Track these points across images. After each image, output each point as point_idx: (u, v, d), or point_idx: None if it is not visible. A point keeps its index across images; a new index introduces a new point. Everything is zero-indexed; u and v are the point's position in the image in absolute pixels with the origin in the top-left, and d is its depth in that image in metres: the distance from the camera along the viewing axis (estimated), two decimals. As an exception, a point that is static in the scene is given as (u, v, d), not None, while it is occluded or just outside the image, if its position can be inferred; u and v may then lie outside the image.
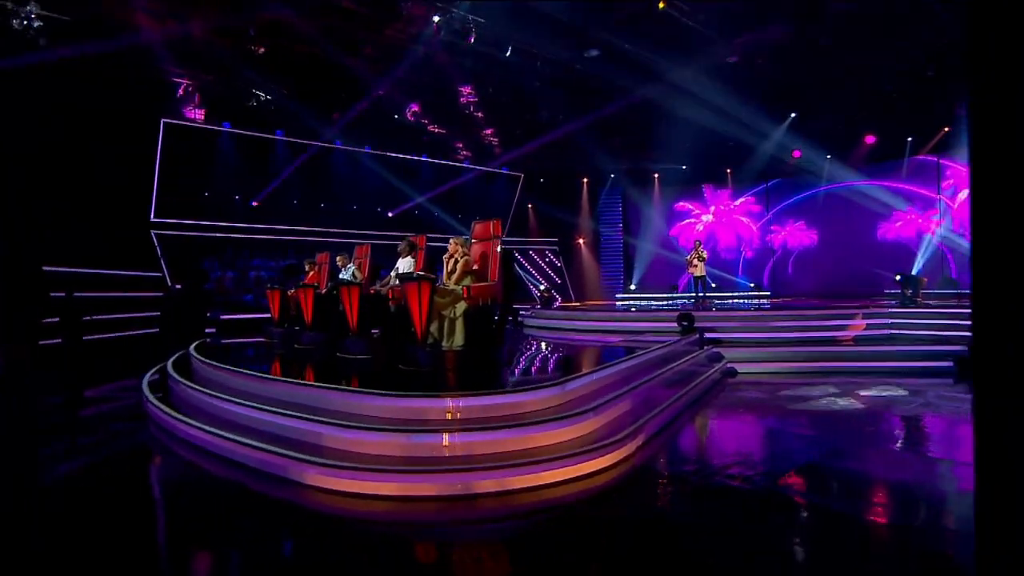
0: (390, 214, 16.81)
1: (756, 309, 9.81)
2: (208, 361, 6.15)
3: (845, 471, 4.02)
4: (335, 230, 14.85)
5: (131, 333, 10.99)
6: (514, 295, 6.75)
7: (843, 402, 6.18)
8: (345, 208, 16.21)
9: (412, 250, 7.23)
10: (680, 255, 18.85)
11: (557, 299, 18.78)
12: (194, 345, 7.96)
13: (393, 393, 4.44)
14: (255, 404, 4.68)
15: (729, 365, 8.10)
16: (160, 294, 12.06)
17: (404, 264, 7.47)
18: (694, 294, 12.49)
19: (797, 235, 18.37)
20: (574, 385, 5.03)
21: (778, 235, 18.63)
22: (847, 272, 16.67)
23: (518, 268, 19.28)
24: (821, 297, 15.46)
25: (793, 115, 15.46)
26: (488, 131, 17.12)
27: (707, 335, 8.57)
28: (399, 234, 8.88)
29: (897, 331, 8.57)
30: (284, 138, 15.51)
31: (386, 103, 14.72)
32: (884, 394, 6.47)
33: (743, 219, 19.16)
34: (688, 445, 4.89)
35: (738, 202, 19.04)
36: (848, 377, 7.57)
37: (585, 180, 20.39)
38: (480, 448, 3.94)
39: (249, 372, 5.51)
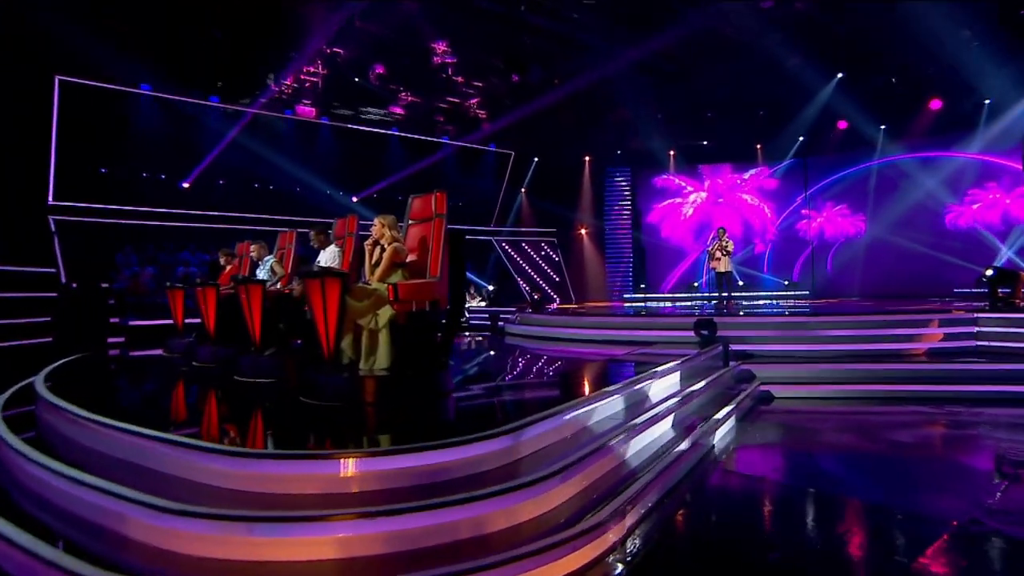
0: (355, 198, 16.32)
1: (794, 314, 8.91)
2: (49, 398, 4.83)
3: None
4: (285, 217, 14.05)
5: (21, 343, 10.15)
6: (463, 295, 5.45)
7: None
8: (298, 190, 15.28)
9: (329, 239, 6.00)
10: (669, 248, 18.32)
11: (555, 301, 18.54)
12: (51, 368, 6.66)
13: (240, 451, 3.13)
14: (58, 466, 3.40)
15: (763, 388, 7.13)
16: (54, 295, 10.77)
17: (327, 257, 6.23)
18: (717, 294, 11.76)
19: (838, 222, 17.56)
20: (533, 433, 3.73)
21: (812, 222, 17.82)
22: (905, 268, 15.76)
23: (508, 264, 19.03)
24: (873, 298, 14.58)
25: (840, 75, 14.82)
26: (472, 101, 16.33)
27: (733, 347, 7.59)
28: (367, 223, 8.37)
29: (985, 342, 7.58)
30: (221, 105, 14.33)
31: (346, 65, 13.57)
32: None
33: (749, 199, 18.23)
34: (713, 529, 3.59)
35: (746, 176, 18.15)
36: (928, 406, 6.52)
37: (587, 159, 19.70)
38: (380, 544, 2.75)
39: (66, 407, 4.20)
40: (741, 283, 17.43)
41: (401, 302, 4.81)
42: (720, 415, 5.67)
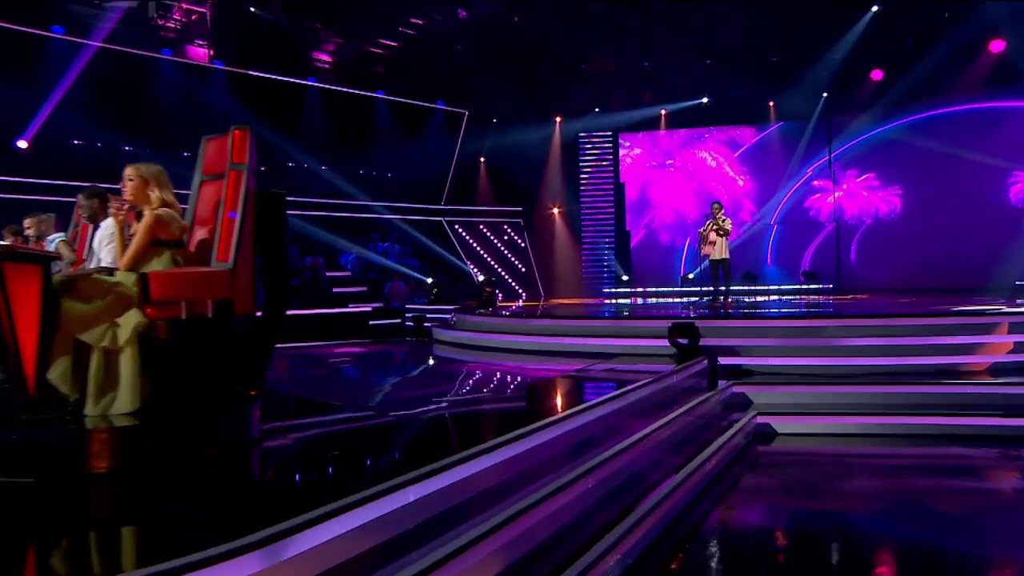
0: (261, 168, 14.91)
1: (806, 315, 8.56)
2: None
3: None
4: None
5: None
6: (284, 292, 4.05)
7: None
8: (180, 156, 14.45)
9: (104, 207, 4.57)
10: (662, 232, 17.83)
11: (520, 296, 18.78)
12: None
13: None
14: None
15: (760, 419, 6.36)
16: None
17: (104, 233, 4.75)
18: (712, 289, 11.32)
19: (864, 198, 17.33)
20: (313, 542, 2.31)
21: (825, 197, 17.60)
22: (955, 254, 15.16)
23: (461, 252, 18.67)
24: (913, 294, 13.88)
25: (875, 9, 14.60)
26: (413, 44, 15.68)
27: (724, 360, 7.01)
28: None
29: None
30: (67, 37, 13.13)
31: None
32: None
33: (709, 158, 17.95)
34: None
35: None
36: (996, 447, 5.63)
37: (558, 120, 19.22)
38: None
39: None
40: (691, 276, 17.04)
41: (157, 303, 3.41)
42: (694, 464, 4.59)
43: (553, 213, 19.64)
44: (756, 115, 17.89)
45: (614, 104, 18.19)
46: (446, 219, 18.85)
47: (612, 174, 19.14)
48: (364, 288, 15.37)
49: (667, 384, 5.78)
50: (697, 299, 13.48)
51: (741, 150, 18.49)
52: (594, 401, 4.37)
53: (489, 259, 19.06)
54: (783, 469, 5.57)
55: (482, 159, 19.59)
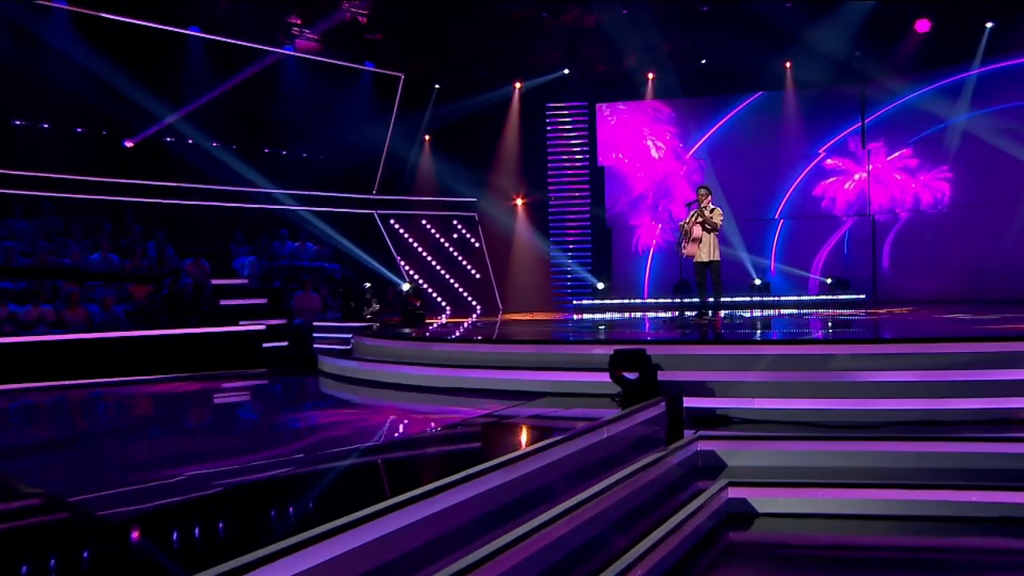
0: (129, 143, 15.84)
1: (807, 341, 8.38)
2: None
3: None
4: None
5: None
6: None
7: None
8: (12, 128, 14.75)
9: None
10: (652, 229, 18.28)
11: (474, 310, 19.10)
12: None
13: None
14: None
15: (734, 492, 5.74)
16: None
17: None
18: (698, 300, 11.40)
19: (899, 184, 17.53)
20: None
21: (842, 181, 17.97)
22: (1020, 258, 15.46)
23: (396, 254, 18.83)
24: (964, 305, 14.25)
25: None
26: None
27: (692, 402, 6.67)
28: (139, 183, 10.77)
29: None
30: None
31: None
32: None
33: (652, 144, 19.00)
34: None
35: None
36: None
37: (517, 86, 19.30)
38: None
39: None
40: (758, 281, 17.56)
41: None
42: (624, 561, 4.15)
43: (515, 205, 19.73)
44: (768, 80, 18.11)
45: (590, 63, 18.23)
46: (378, 212, 18.76)
47: (588, 155, 19.23)
48: (264, 300, 14.97)
49: (597, 439, 5.40)
50: (677, 314, 13.64)
51: (739, 122, 18.83)
52: (477, 469, 4.08)
53: (434, 263, 19.12)
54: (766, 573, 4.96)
55: (426, 137, 19.59)
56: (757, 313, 15.29)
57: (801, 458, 5.96)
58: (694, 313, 11.51)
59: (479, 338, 9.92)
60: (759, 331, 10.10)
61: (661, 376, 6.55)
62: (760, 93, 18.31)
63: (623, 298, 18.16)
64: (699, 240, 10.33)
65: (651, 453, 5.43)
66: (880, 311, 14.42)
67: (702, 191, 10.48)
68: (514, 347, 8.50)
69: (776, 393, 6.74)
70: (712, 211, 10.28)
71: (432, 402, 7.59)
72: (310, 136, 17.58)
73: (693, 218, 10.33)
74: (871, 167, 17.69)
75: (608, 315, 16.89)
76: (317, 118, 17.35)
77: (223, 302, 14.03)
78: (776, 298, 17.19)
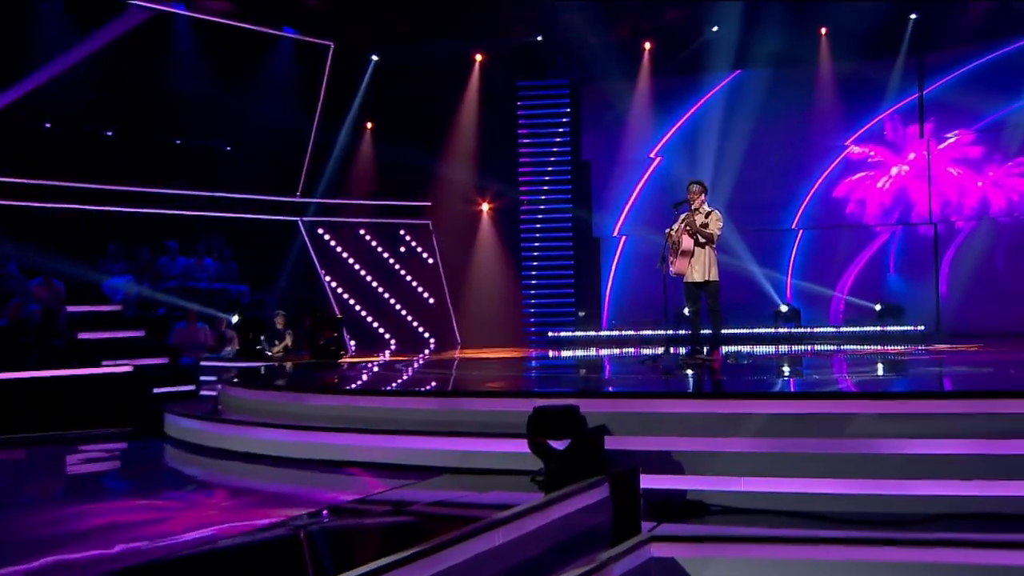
0: None
1: (816, 395, 7.95)
2: None
3: None
4: None
5: None
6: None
7: None
8: None
9: None
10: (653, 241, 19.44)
11: (428, 344, 19.15)
12: None
13: None
14: None
15: None
16: None
17: None
18: (691, 333, 11.31)
19: (957, 181, 17.56)
20: None
21: (875, 178, 18.23)
22: None
23: (321, 272, 18.81)
24: None
25: None
26: None
27: (651, 481, 6.43)
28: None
29: None
30: None
31: None
32: None
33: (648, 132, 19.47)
34: None
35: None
36: None
37: (478, 59, 19.43)
38: None
39: None
40: (784, 307, 17.75)
41: None
42: None
43: (480, 210, 19.69)
44: (795, 51, 18.09)
45: (571, 31, 18.03)
46: (303, 219, 18.51)
47: (570, 147, 19.28)
48: (141, 332, 14.22)
49: (496, 543, 4.99)
50: (663, 351, 13.05)
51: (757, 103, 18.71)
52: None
53: (376, 284, 18.86)
54: None
55: (368, 125, 19.43)
56: (777, 349, 15.34)
57: (803, 568, 5.41)
58: (685, 352, 11.29)
59: (356, 387, 9.90)
60: (770, 376, 10.10)
61: (611, 443, 6.26)
62: (781, 67, 18.38)
63: (616, 328, 18.31)
64: (690, 254, 10.05)
65: (583, 561, 4.95)
66: (941, 348, 14.43)
67: (694, 188, 10.24)
68: (410, 401, 8.28)
69: (772, 469, 6.25)
70: (708, 215, 10.02)
71: (295, 481, 7.25)
72: (213, 121, 17.20)
73: (682, 224, 10.08)
74: (913, 156, 17.72)
75: (591, 352, 16.86)
76: (222, 99, 17.08)
77: (83, 335, 13.33)
78: (808, 330, 17.25)
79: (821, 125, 18.44)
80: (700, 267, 10.06)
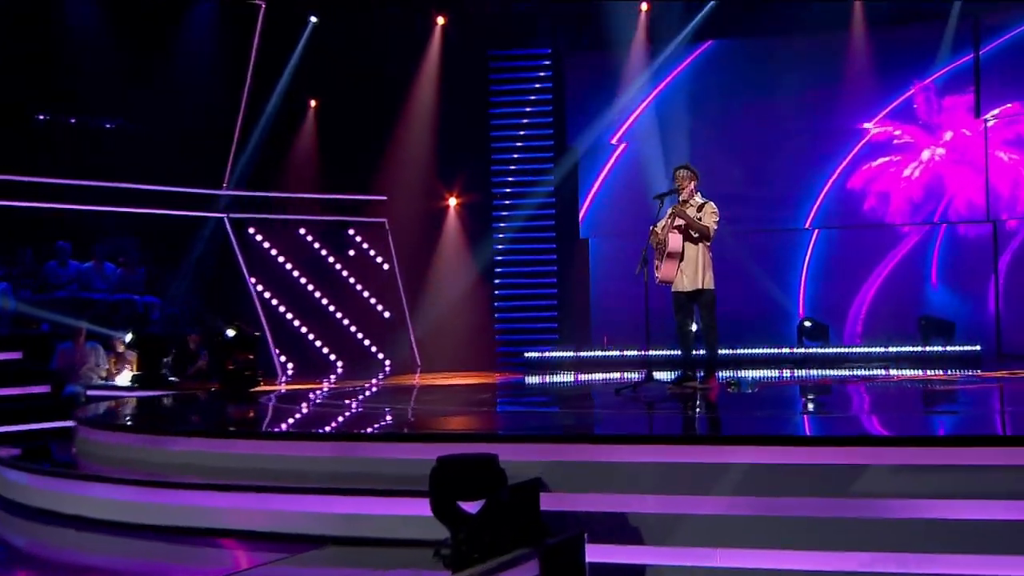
0: None
1: (817, 441, 7.39)
2: None
3: None
4: None
5: None
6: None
7: None
8: None
9: None
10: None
11: (383, 365, 19.43)
12: None
13: None
14: None
15: None
16: None
17: None
18: (681, 354, 11.26)
19: (1015, 169, 17.40)
20: None
21: (901, 165, 18.11)
22: None
23: (249, 279, 18.85)
24: None
25: None
26: None
27: (605, 555, 6.37)
28: None
29: None
30: None
31: None
32: None
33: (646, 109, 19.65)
34: None
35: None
36: None
37: (440, 21, 19.52)
38: None
39: None
40: (808, 323, 17.76)
41: None
42: None
43: (445, 206, 19.83)
44: (817, 16, 17.89)
45: None
46: (230, 216, 18.52)
47: (552, 129, 19.43)
48: (17, 354, 13.59)
49: None
50: (644, 375, 12.51)
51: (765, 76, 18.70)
52: None
53: (318, 294, 18.86)
54: None
55: (312, 103, 19.40)
56: (792, 374, 15.53)
57: None
58: (673, 377, 10.96)
59: (235, 429, 9.42)
60: (774, 411, 9.90)
61: (548, 502, 6.15)
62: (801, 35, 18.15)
63: (608, 347, 18.18)
64: (678, 256, 9.86)
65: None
66: (997, 375, 14.29)
67: (682, 173, 10.16)
68: (291, 445, 7.58)
69: (756, 539, 5.99)
70: (702, 206, 9.86)
71: (145, 555, 6.71)
72: (117, 96, 16.86)
73: (668, 219, 9.97)
74: (949, 137, 17.36)
75: (571, 377, 16.76)
76: (128, 69, 16.72)
77: (-66, 358, 12.88)
78: (836, 350, 17.05)
79: (843, 103, 18.32)
80: (691, 273, 9.92)
